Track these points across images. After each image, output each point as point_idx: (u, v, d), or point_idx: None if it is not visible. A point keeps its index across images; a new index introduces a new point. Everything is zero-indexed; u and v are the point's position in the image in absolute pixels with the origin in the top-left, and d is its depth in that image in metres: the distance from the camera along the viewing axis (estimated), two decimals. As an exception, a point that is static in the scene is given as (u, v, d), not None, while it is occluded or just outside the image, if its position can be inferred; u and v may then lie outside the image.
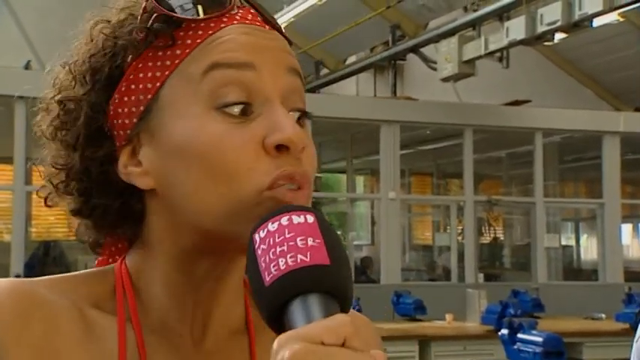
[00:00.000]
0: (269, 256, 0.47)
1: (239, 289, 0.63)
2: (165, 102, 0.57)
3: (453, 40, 7.60)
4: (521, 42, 7.14)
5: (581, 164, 10.46)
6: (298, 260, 0.46)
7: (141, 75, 0.58)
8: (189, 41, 0.57)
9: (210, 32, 0.57)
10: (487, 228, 10.41)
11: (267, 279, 0.46)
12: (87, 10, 0.63)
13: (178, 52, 0.57)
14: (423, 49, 8.60)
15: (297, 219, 0.48)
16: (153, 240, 0.60)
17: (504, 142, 9.53)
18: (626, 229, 9.61)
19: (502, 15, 7.33)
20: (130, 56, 0.58)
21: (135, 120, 0.58)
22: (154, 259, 0.60)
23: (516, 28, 7.02)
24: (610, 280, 8.39)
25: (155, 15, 0.57)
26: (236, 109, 0.55)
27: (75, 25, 0.64)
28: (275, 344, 0.44)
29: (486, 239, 10.38)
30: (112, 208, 0.60)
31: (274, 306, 0.46)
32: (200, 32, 0.57)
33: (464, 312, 6.51)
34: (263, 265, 0.47)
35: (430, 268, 10.01)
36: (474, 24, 7.62)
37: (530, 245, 8.87)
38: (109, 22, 0.60)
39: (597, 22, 7.06)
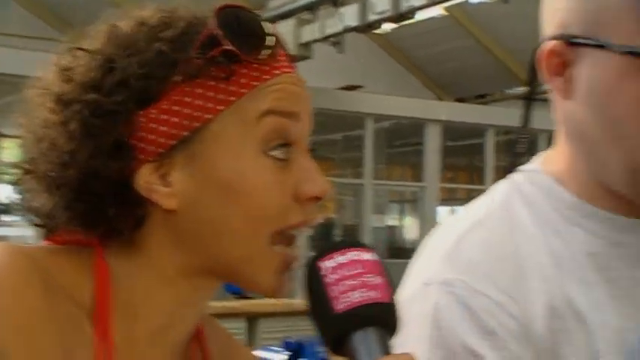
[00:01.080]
0: (341, 287, 0.53)
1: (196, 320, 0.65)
2: (215, 135, 0.58)
3: (291, 22, 7.71)
4: (355, 29, 7.41)
5: (407, 149, 11.10)
6: (371, 296, 0.53)
7: (187, 99, 0.58)
8: (243, 80, 0.58)
9: (266, 77, 0.59)
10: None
11: (339, 307, 0.53)
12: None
13: (233, 88, 0.58)
14: (261, 29, 8.62)
15: (366, 255, 0.55)
16: (151, 252, 0.60)
17: (339, 125, 9.86)
18: (445, 211, 10.39)
19: (337, 1, 7.54)
20: (179, 77, 0.58)
21: (172, 142, 0.58)
22: (146, 268, 0.61)
23: (350, 15, 7.27)
24: (428, 257, 8.99)
25: (222, 48, 0.58)
26: (281, 155, 0.59)
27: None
28: None
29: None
30: (106, 212, 0.59)
31: (341, 332, 0.53)
32: (255, 74, 0.59)
33: (295, 289, 6.68)
34: (333, 293, 0.53)
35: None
36: (312, 7, 7.77)
37: (359, 225, 9.28)
38: (153, 27, 0.59)
39: (422, 14, 7.52)
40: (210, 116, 0.58)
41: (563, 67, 0.67)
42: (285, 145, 0.60)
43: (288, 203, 0.59)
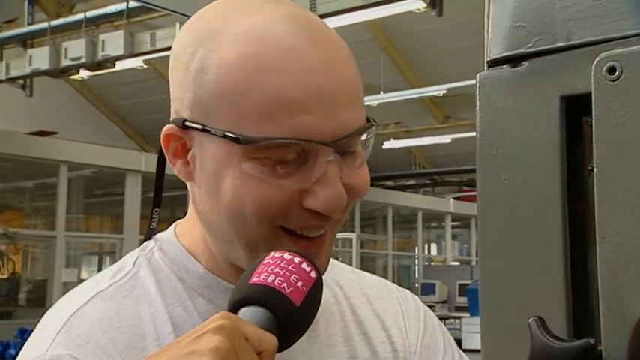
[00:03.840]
0: (267, 268, 0.59)
1: None
2: None
3: (-31, 59, 7.06)
4: (46, 72, 7.04)
5: (108, 199, 10.73)
6: (282, 287, 0.58)
7: None
8: None
9: None
10: (6, 262, 9.77)
11: (253, 279, 0.58)
12: None
13: None
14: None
15: (307, 268, 0.59)
16: None
17: (30, 172, 9.18)
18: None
19: (26, 42, 7.13)
20: None
21: None
22: None
23: (40, 57, 6.90)
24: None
25: None
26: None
27: None
28: (220, 314, 0.56)
29: (4, 274, 9.74)
30: None
31: (243, 299, 0.58)
32: None
33: None
34: (258, 269, 0.59)
35: None
36: (-5, 46, 7.22)
37: (48, 280, 8.65)
38: None
39: (121, 65, 7.43)
40: None
41: (183, 150, 0.68)
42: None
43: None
